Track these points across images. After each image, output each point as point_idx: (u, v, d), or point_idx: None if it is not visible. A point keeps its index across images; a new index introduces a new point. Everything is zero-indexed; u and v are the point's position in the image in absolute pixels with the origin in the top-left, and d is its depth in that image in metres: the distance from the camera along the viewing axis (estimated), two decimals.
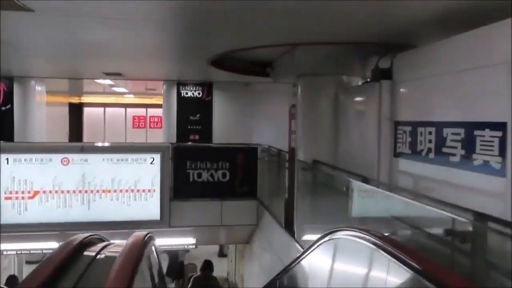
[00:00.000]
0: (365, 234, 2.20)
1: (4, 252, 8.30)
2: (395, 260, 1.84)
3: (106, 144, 6.82)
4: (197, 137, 8.72)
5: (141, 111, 16.88)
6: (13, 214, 6.24)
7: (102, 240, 2.85)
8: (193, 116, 8.72)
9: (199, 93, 8.77)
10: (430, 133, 2.98)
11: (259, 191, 6.87)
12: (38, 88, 8.19)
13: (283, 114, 6.25)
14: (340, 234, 2.55)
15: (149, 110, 16.55)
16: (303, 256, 3.11)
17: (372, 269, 2.25)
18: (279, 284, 4.13)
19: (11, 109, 7.56)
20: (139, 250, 2.18)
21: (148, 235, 2.68)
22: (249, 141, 7.68)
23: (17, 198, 6.25)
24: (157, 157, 6.52)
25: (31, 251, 9.99)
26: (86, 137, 15.64)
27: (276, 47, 4.48)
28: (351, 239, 2.37)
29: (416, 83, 3.27)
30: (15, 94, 7.62)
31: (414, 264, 1.69)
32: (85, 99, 16.05)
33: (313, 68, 4.82)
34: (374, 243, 2.08)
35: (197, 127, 8.73)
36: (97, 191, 6.40)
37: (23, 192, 6.26)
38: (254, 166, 6.88)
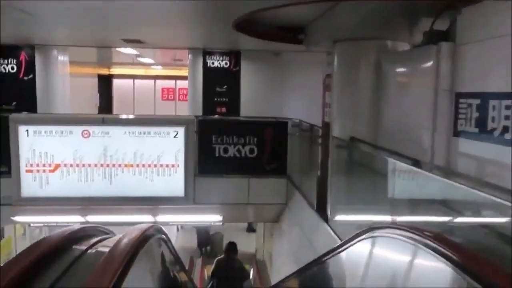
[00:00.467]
0: (415, 233, 1.70)
1: (31, 224, 8.34)
2: (459, 270, 1.35)
3: (128, 116, 6.46)
4: (223, 109, 8.27)
5: (170, 83, 16.58)
6: (34, 187, 6.08)
7: (105, 233, 2.47)
8: (219, 87, 8.24)
9: (226, 63, 8.25)
10: (507, 107, 2.38)
11: (289, 168, 6.41)
12: (60, 57, 7.92)
13: (315, 86, 5.68)
14: (383, 232, 2.06)
15: (178, 82, 16.20)
16: (338, 250, 2.64)
17: (421, 276, 1.76)
18: (309, 274, 3.72)
19: (33, 79, 7.34)
20: (131, 246, 1.77)
21: (152, 228, 2.27)
22: (278, 115, 7.16)
23: (38, 171, 6.07)
24: (181, 130, 6.14)
25: (57, 224, 10.07)
26: (115, 109, 15.55)
27: (312, 3, 3.87)
28: (396, 237, 1.88)
29: (489, 45, 2.62)
30: (36, 64, 7.38)
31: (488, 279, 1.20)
32: (114, 70, 15.87)
33: (352, 31, 4.20)
34: (427, 245, 1.59)
35: (224, 99, 8.26)
36: (119, 165, 6.13)
37: (44, 165, 6.07)
38: (283, 142, 6.39)
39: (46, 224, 9.06)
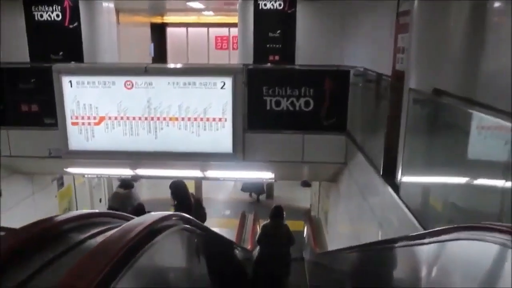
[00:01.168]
0: None
1: (86, 175, 8.42)
2: None
3: (171, 65, 5.95)
4: (276, 57, 7.47)
5: (223, 31, 15.83)
6: (81, 140, 5.90)
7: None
8: (272, 32, 7.40)
9: (280, 4, 7.34)
10: None
11: (349, 124, 5.65)
12: (105, 4, 7.50)
13: (384, 28, 4.73)
14: (479, 234, 1.35)
15: (232, 29, 15.40)
16: (417, 240, 1.98)
17: None
18: (369, 254, 3.12)
19: (78, 27, 7.00)
20: (130, 239, 1.25)
21: (165, 220, 1.72)
22: (339, 63, 6.29)
23: (83, 123, 5.85)
24: (228, 81, 5.54)
25: (110, 176, 10.18)
26: (170, 59, 15.24)
27: None
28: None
29: None
30: (81, 11, 7.00)
31: None
32: (168, 19, 15.38)
33: None
34: None
35: (277, 45, 7.42)
36: (164, 119, 5.73)
37: (88, 118, 5.83)
38: (344, 94, 5.59)
39: (99, 176, 9.19)
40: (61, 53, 7.09)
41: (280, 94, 5.64)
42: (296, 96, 5.64)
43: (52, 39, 7.06)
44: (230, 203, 12.59)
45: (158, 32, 14.70)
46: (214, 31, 15.91)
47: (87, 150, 5.92)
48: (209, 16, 15.08)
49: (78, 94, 5.74)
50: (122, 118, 5.77)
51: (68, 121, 5.84)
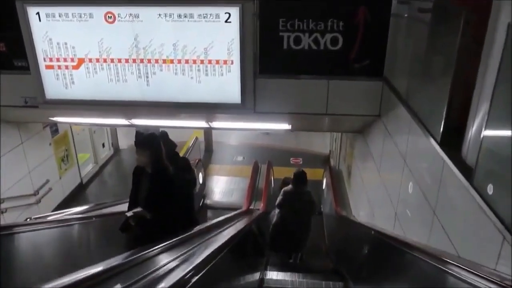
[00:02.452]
0: None
1: (73, 124, 7.53)
2: None
3: None
4: None
5: None
6: (58, 87, 4.90)
7: None
8: None
9: None
10: None
11: (387, 69, 4.48)
12: None
13: None
14: None
15: None
16: None
17: None
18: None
19: None
20: None
21: None
22: None
23: (59, 67, 4.81)
24: (235, 12, 4.33)
25: (102, 126, 9.26)
26: None
27: None
28: None
29: None
30: None
31: None
32: None
33: None
34: None
35: None
36: (156, 61, 4.64)
37: (65, 60, 4.77)
38: (383, 28, 4.34)
39: (88, 125, 8.32)
40: None
41: (300, 29, 4.43)
42: (321, 30, 4.42)
43: None
44: (243, 148, 11.73)
45: None
46: None
47: (67, 99, 4.94)
48: None
49: (49, 29, 4.64)
50: (105, 60, 4.69)
51: (41, 64, 4.81)
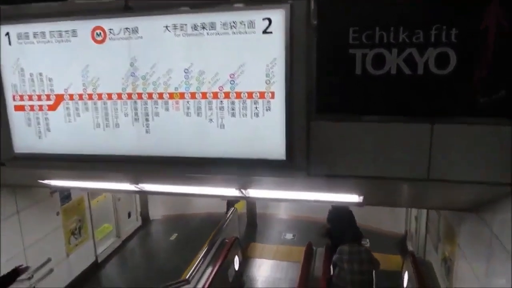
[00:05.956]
0: None
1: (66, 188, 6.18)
2: None
3: None
4: None
5: None
6: (30, 136, 3.49)
7: None
8: None
9: None
10: None
11: None
12: None
13: None
14: None
15: None
16: None
17: None
18: None
19: None
20: None
21: None
22: None
23: (32, 108, 3.43)
24: (278, 16, 2.76)
25: (103, 190, 7.85)
26: None
27: None
28: None
29: None
30: None
31: None
32: None
33: None
34: None
35: None
36: (160, 96, 3.11)
37: (39, 98, 3.39)
38: None
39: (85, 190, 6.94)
40: None
41: (384, 42, 2.72)
42: (419, 44, 2.69)
43: None
44: (294, 223, 9.75)
45: None
46: None
47: (40, 153, 3.48)
48: None
49: (21, 56, 3.33)
50: (90, 97, 3.25)
51: (10, 104, 3.46)
